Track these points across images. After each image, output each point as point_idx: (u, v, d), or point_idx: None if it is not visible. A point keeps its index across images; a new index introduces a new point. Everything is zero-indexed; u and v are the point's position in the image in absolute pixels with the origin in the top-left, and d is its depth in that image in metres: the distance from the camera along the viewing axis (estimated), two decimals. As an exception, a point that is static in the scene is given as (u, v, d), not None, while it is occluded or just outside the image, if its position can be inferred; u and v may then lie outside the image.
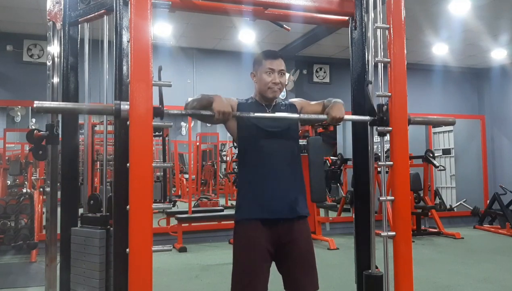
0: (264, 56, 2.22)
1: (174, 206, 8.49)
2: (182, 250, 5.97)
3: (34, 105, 1.77)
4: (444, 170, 9.04)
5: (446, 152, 9.41)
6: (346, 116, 2.16)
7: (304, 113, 2.29)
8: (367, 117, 2.14)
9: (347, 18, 2.47)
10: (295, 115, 2.24)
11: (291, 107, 2.29)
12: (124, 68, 2.06)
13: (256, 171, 2.16)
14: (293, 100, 2.37)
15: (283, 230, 2.15)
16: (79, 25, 2.75)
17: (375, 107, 2.12)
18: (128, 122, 1.73)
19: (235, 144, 2.35)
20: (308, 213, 2.25)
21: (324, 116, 2.14)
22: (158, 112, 1.80)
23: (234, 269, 2.16)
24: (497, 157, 9.07)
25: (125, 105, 1.77)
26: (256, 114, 2.11)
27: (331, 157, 9.06)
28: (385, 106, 2.10)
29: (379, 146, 2.14)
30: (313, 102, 2.35)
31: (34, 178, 7.59)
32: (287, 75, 7.17)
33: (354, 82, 2.39)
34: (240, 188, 2.26)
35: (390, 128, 2.06)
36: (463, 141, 9.35)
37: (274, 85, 2.19)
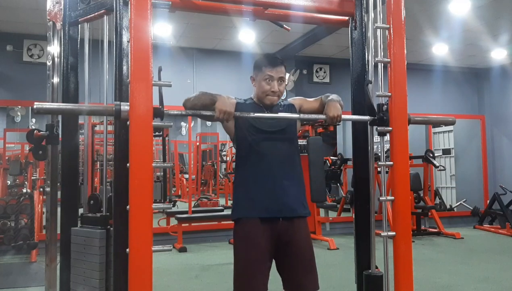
0: (264, 63, 2.21)
1: (174, 206, 8.49)
2: (182, 250, 5.97)
3: (34, 106, 1.77)
4: (444, 170, 9.04)
5: (446, 152, 9.41)
6: (346, 116, 2.16)
7: (303, 111, 2.30)
8: (367, 117, 2.14)
9: (347, 18, 2.46)
10: (295, 115, 2.24)
11: (290, 108, 2.30)
12: (124, 68, 2.06)
13: (254, 170, 2.16)
14: (291, 99, 2.38)
15: (282, 229, 2.15)
16: (79, 25, 2.75)
17: (375, 107, 2.12)
18: (128, 123, 1.73)
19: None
20: (308, 213, 2.25)
21: (322, 116, 2.14)
22: (158, 112, 1.80)
23: (235, 269, 2.16)
24: (497, 157, 9.07)
25: (125, 106, 1.76)
26: (256, 114, 2.11)
27: (331, 157, 9.06)
28: (385, 106, 2.10)
29: (379, 146, 2.14)
30: (311, 99, 2.35)
31: (34, 178, 7.59)
32: (287, 75, 7.17)
33: (354, 82, 2.38)
34: (237, 187, 2.26)
35: (390, 128, 2.06)
36: (463, 141, 9.35)
37: (272, 93, 2.20)
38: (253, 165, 2.17)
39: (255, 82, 2.25)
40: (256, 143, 2.17)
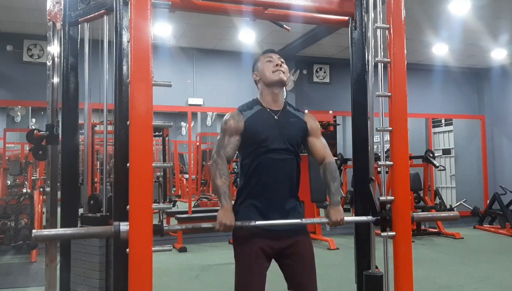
0: (262, 53, 2.26)
1: (174, 206, 8.48)
2: (182, 250, 5.97)
3: (33, 234, 1.76)
4: (444, 170, 9.04)
5: (446, 152, 9.41)
6: (348, 219, 2.15)
7: (309, 141, 2.22)
8: (369, 218, 2.13)
9: (347, 18, 2.47)
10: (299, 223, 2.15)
11: (301, 122, 2.21)
12: (124, 68, 2.06)
13: (257, 187, 2.13)
14: (308, 115, 2.27)
15: (283, 238, 2.14)
16: (79, 25, 2.75)
17: (377, 207, 2.10)
18: (128, 123, 1.73)
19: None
20: (307, 232, 2.24)
21: (325, 220, 2.14)
22: (158, 230, 1.77)
23: (236, 269, 2.16)
24: (497, 157, 9.07)
25: (124, 226, 1.71)
26: (257, 222, 2.05)
27: (331, 157, 9.04)
28: (388, 205, 2.07)
29: (379, 146, 2.14)
30: (320, 139, 2.25)
31: (34, 178, 7.59)
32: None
33: (354, 82, 2.39)
34: (239, 196, 2.22)
35: (390, 128, 2.06)
36: (463, 141, 9.35)
37: (277, 67, 2.16)
38: (257, 182, 2.13)
39: (258, 74, 2.22)
40: (262, 158, 2.12)
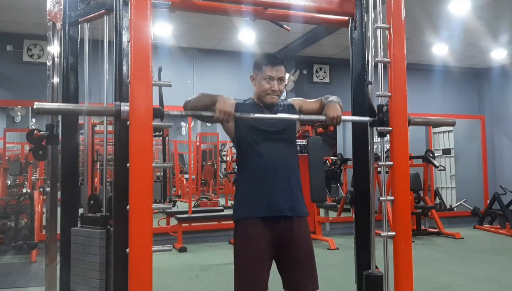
0: (264, 62, 2.22)
1: (174, 206, 8.49)
2: (182, 250, 5.97)
3: (35, 106, 1.77)
4: (444, 170, 9.04)
5: (446, 152, 9.41)
6: (346, 117, 2.17)
7: (303, 112, 2.31)
8: (367, 118, 2.14)
9: (347, 18, 2.46)
10: (295, 116, 2.24)
11: (290, 108, 2.30)
12: (124, 68, 2.05)
13: (254, 170, 2.17)
14: (291, 100, 2.38)
15: (283, 229, 2.15)
16: (79, 25, 2.75)
17: (375, 108, 2.12)
18: (128, 123, 1.73)
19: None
20: (307, 212, 2.26)
21: (322, 117, 2.15)
22: (158, 113, 1.80)
23: (235, 269, 2.16)
24: (497, 157, 9.07)
25: (125, 106, 1.76)
26: (256, 115, 2.12)
27: (331, 157, 9.06)
28: (385, 107, 2.09)
29: (379, 146, 2.14)
30: (311, 100, 2.36)
31: (34, 178, 7.59)
32: (287, 75, 7.17)
33: (354, 82, 2.38)
34: (238, 187, 2.27)
35: (390, 128, 2.06)
36: (463, 141, 9.35)
37: (272, 92, 2.20)
38: (253, 165, 2.18)
39: (255, 82, 2.27)
40: (256, 144, 2.17)
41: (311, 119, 2.30)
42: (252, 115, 2.11)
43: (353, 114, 2.39)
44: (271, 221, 2.14)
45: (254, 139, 2.18)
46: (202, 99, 2.10)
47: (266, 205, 2.13)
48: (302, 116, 2.24)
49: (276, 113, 2.23)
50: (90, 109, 2.08)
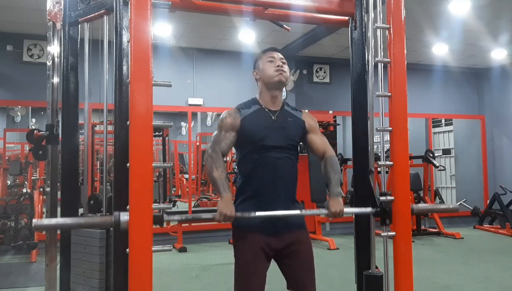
0: (263, 51, 2.25)
1: (174, 206, 8.48)
2: (182, 250, 5.97)
3: (33, 224, 1.77)
4: (444, 170, 9.04)
5: (446, 152, 9.41)
6: (348, 210, 2.15)
7: (308, 139, 2.23)
8: (368, 209, 2.11)
9: (347, 18, 2.47)
10: (299, 212, 2.20)
11: (298, 120, 2.23)
12: (124, 68, 2.06)
13: (255, 181, 2.14)
14: (305, 114, 2.29)
15: (282, 234, 2.15)
16: (79, 25, 2.75)
17: (377, 202, 2.08)
18: (128, 123, 1.73)
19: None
20: (305, 227, 2.24)
21: (324, 211, 2.11)
22: (158, 220, 1.76)
23: (235, 269, 2.16)
24: (497, 157, 9.07)
25: (124, 216, 1.70)
26: (257, 213, 2.03)
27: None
28: (388, 207, 2.05)
29: (379, 145, 2.14)
30: (319, 133, 2.27)
31: (34, 178, 7.59)
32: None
33: (354, 82, 2.38)
34: (239, 195, 2.22)
35: (390, 128, 2.06)
36: (463, 141, 9.35)
37: (279, 69, 2.16)
38: (255, 177, 2.14)
39: (259, 73, 2.22)
40: (261, 157, 2.13)
41: (314, 213, 2.33)
42: (253, 214, 2.03)
43: (352, 114, 2.40)
44: (269, 230, 2.14)
45: (257, 151, 2.13)
46: (212, 179, 2.06)
47: (264, 225, 2.11)
48: (305, 212, 2.26)
49: (285, 117, 2.18)
50: (87, 222, 2.00)
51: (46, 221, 1.99)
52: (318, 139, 2.25)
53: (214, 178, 2.06)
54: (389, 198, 2.02)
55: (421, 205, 2.42)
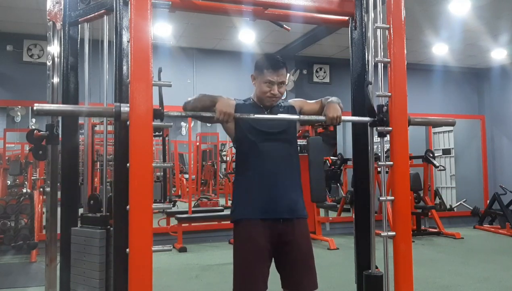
0: (266, 65, 2.19)
1: (174, 206, 8.48)
2: (182, 250, 5.97)
3: (35, 108, 1.77)
4: (444, 170, 9.04)
5: (446, 152, 9.41)
6: (346, 118, 2.17)
7: (303, 112, 2.31)
8: (367, 118, 2.14)
9: (347, 18, 2.46)
10: (295, 117, 2.24)
11: (290, 109, 2.30)
12: (124, 68, 2.06)
13: (254, 171, 2.17)
14: (292, 101, 2.38)
15: (282, 229, 2.15)
16: (79, 25, 2.75)
17: (375, 108, 2.12)
18: (128, 123, 1.73)
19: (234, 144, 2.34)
20: (306, 214, 2.26)
21: (322, 117, 2.14)
22: (158, 114, 1.79)
23: (234, 269, 2.16)
24: (497, 157, 9.07)
25: (125, 107, 1.77)
26: (256, 115, 2.12)
27: (331, 157, 9.06)
28: (385, 107, 2.09)
29: (379, 146, 2.14)
30: (311, 101, 2.36)
31: (34, 178, 7.59)
32: (287, 75, 7.17)
33: (354, 82, 2.38)
34: (237, 188, 2.25)
35: (390, 128, 2.06)
36: (463, 141, 9.35)
37: (272, 95, 2.20)
38: (253, 166, 2.17)
39: (255, 82, 2.26)
40: (256, 145, 2.17)
41: (311, 119, 2.29)
42: (252, 116, 2.11)
43: (353, 115, 2.39)
44: (270, 221, 2.14)
45: (254, 140, 2.17)
46: (202, 100, 2.10)
47: (264, 207, 2.13)
48: (302, 117, 2.24)
49: (276, 114, 2.23)
50: (90, 111, 2.08)
51: (47, 106, 2.03)
52: (310, 104, 2.34)
53: (201, 97, 2.11)
54: (385, 107, 2.08)
55: (418, 118, 2.42)
